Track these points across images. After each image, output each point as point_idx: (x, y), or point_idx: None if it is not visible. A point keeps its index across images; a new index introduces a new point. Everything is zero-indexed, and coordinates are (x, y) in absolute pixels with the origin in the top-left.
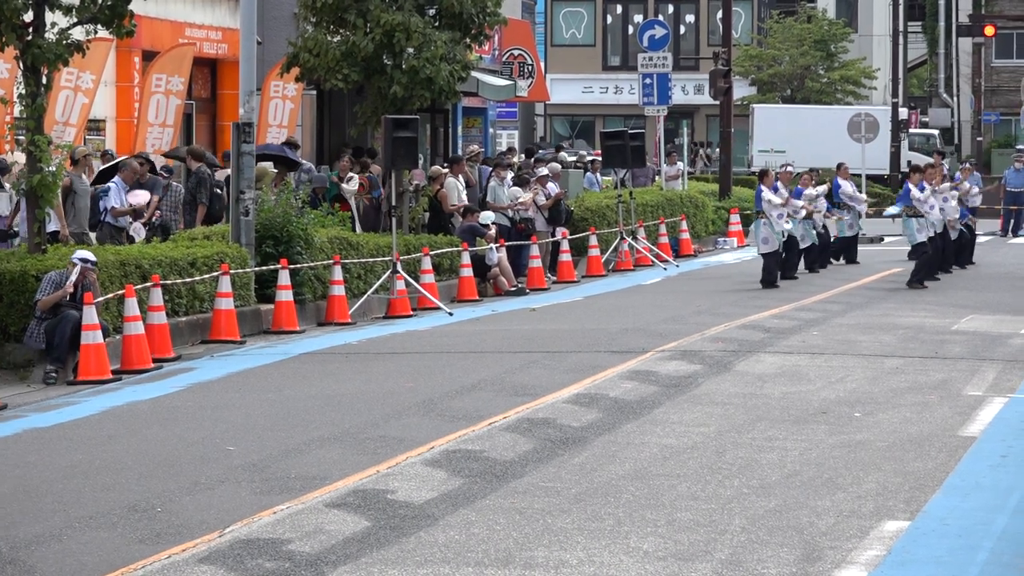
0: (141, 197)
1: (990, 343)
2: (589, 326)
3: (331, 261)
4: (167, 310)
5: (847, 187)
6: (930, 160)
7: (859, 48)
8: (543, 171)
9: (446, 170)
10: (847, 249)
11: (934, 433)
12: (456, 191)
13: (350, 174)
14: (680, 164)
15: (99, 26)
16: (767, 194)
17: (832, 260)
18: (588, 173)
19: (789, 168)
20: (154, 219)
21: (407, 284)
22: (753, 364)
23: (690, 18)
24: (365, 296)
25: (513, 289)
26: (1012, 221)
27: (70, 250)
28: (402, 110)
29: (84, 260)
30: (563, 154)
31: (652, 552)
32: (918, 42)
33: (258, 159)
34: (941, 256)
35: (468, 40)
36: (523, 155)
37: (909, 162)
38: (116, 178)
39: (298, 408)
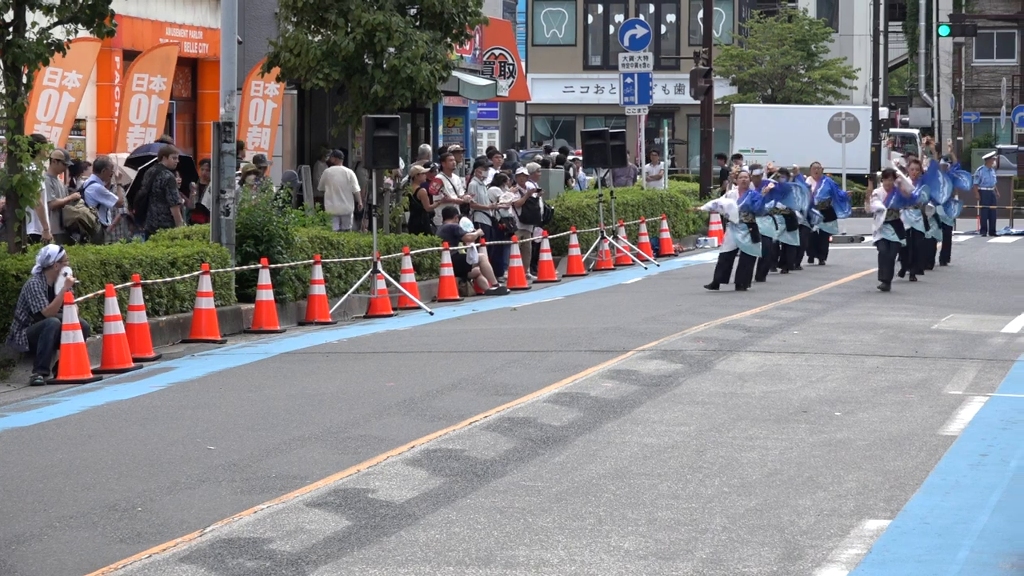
0: (128, 175)
1: (970, 342)
2: (570, 325)
3: (312, 260)
4: (147, 309)
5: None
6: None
7: (840, 48)
8: (521, 170)
9: (427, 169)
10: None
11: (914, 432)
12: (446, 187)
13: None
14: (662, 164)
15: (80, 25)
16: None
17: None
18: (580, 172)
19: (757, 171)
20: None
21: (388, 283)
22: (734, 363)
23: (671, 18)
24: (346, 295)
25: (494, 288)
26: (988, 221)
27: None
28: (383, 109)
29: (60, 256)
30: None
31: (633, 551)
32: (898, 42)
33: (140, 160)
34: (911, 256)
35: (449, 40)
36: (510, 151)
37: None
38: (95, 178)
39: (279, 407)
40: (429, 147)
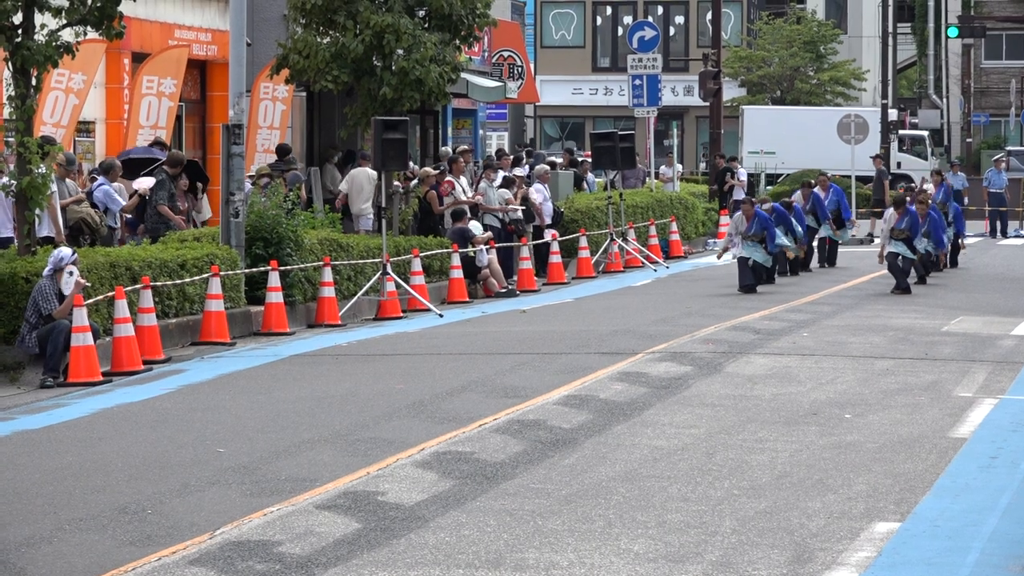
0: (145, 183)
1: (980, 344)
2: (579, 328)
3: (321, 263)
4: (157, 312)
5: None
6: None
7: (848, 49)
8: (518, 171)
9: (437, 171)
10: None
11: (924, 434)
12: (456, 190)
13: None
14: (679, 166)
15: (88, 28)
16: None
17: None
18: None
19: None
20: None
21: (397, 286)
22: (743, 365)
23: (680, 19)
24: (355, 298)
25: (503, 291)
26: (998, 223)
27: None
28: (392, 111)
29: (72, 259)
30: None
31: (642, 554)
32: (907, 43)
33: (129, 164)
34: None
35: (458, 41)
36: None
37: (899, 164)
38: (103, 180)
39: (288, 410)
40: (449, 149)
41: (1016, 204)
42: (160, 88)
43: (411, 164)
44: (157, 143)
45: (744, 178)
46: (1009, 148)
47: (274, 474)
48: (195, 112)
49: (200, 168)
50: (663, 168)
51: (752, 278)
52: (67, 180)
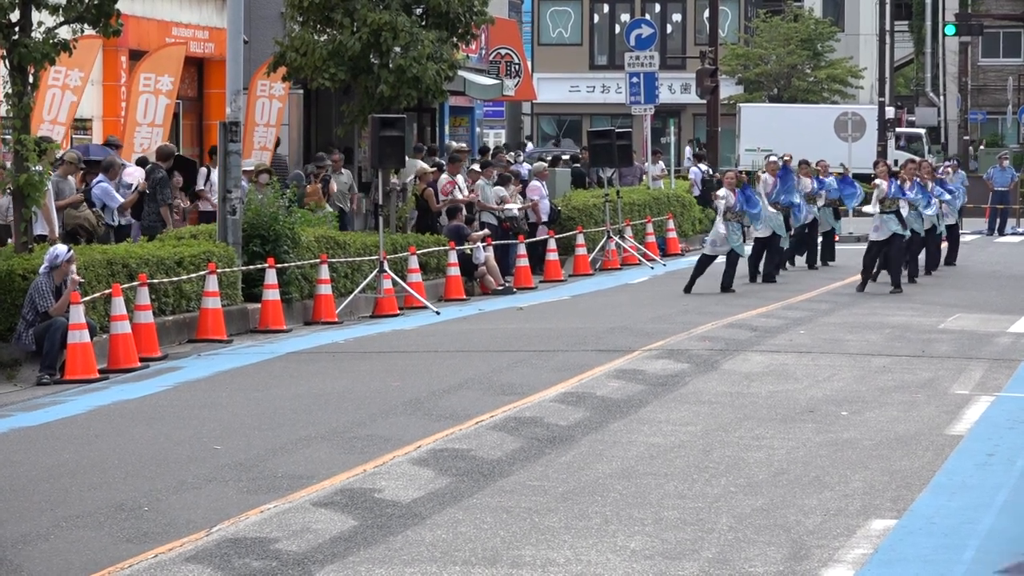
0: (136, 175)
1: (977, 342)
2: (576, 325)
3: (318, 260)
4: (154, 309)
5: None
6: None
7: (846, 47)
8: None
9: (433, 169)
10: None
11: (921, 432)
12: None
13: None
14: (663, 163)
15: (86, 25)
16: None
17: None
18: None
19: (772, 158)
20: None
21: (394, 283)
22: (740, 363)
23: (677, 17)
24: (352, 295)
25: (500, 288)
26: (998, 220)
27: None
28: (389, 109)
29: (68, 256)
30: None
31: (639, 551)
32: (905, 41)
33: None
34: (930, 256)
35: (455, 39)
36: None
37: (896, 161)
38: (102, 178)
39: (285, 407)
40: (454, 144)
41: (1014, 202)
42: (157, 85)
43: (436, 158)
44: (109, 143)
45: (695, 177)
46: (1014, 146)
47: (271, 471)
48: (192, 109)
49: (195, 166)
50: (646, 165)
51: (729, 281)
52: (69, 178)
